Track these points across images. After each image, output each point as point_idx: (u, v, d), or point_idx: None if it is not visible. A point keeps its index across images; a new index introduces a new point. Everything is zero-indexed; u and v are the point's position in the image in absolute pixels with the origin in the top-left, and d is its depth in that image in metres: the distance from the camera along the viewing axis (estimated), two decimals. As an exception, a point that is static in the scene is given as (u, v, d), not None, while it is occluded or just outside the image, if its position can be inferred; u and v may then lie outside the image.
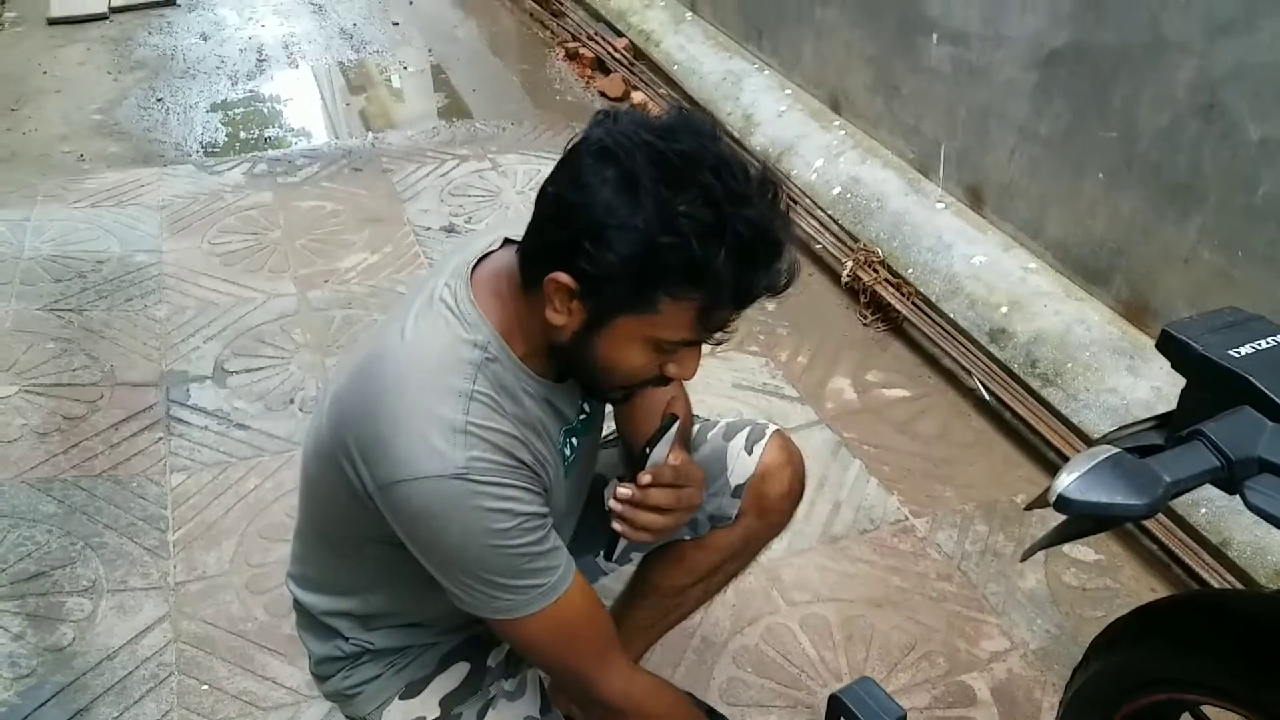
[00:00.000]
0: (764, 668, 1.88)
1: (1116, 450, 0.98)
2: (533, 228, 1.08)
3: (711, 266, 0.99)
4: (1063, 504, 0.95)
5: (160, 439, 2.35)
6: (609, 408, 1.33)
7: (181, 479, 2.25)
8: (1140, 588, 2.07)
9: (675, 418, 1.21)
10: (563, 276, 1.03)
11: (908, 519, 2.23)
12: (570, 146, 1.05)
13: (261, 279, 2.95)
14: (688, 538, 1.50)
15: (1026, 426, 2.40)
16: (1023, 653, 1.92)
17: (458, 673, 1.32)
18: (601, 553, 1.34)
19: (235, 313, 2.79)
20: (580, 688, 1.21)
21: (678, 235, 0.98)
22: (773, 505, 1.49)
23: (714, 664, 1.88)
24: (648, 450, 1.17)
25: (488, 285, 1.14)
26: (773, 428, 1.52)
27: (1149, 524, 2.09)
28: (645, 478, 1.16)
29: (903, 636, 1.95)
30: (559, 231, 1.03)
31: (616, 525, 1.18)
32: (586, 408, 1.28)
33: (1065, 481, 0.95)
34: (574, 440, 1.26)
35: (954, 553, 2.15)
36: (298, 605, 1.36)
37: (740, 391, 2.60)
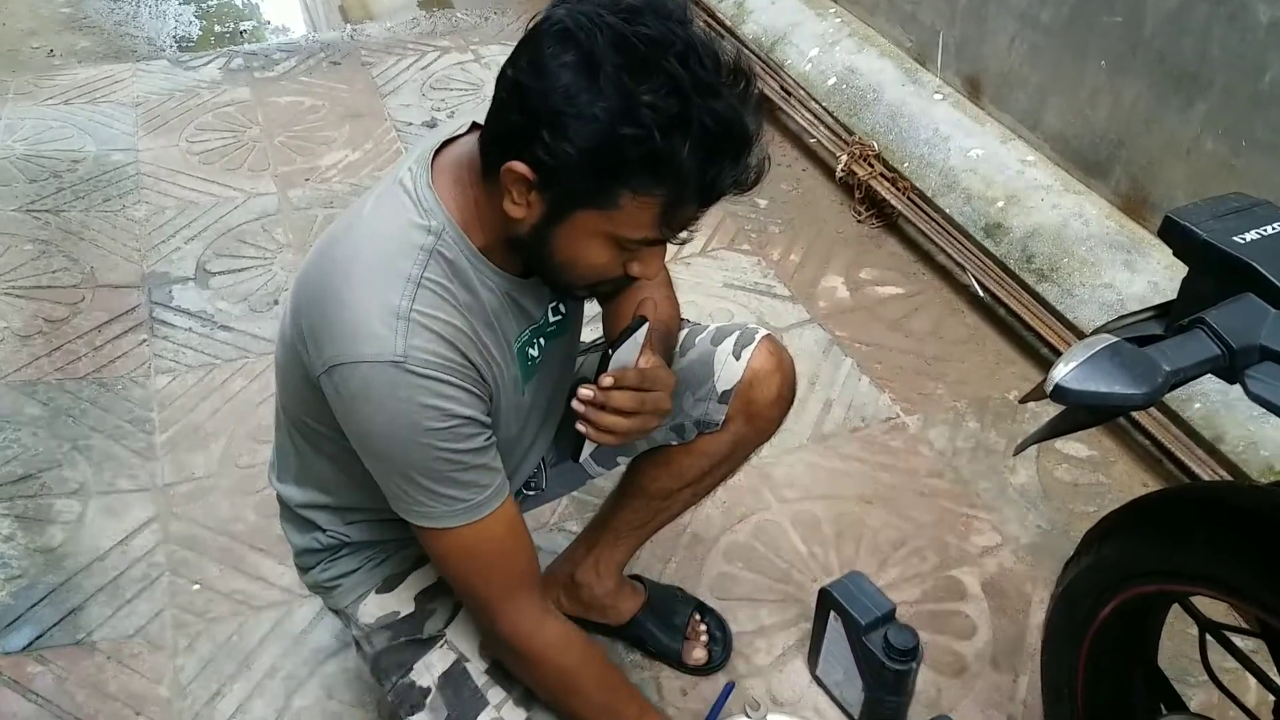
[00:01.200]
0: (754, 563, 1.89)
1: (1115, 339, 0.95)
2: (492, 113, 1.03)
3: (675, 161, 0.94)
4: (1060, 394, 0.92)
5: (144, 341, 2.32)
6: (590, 311, 1.29)
7: (166, 381, 2.22)
8: (1132, 483, 2.07)
9: (644, 320, 1.16)
10: (520, 166, 0.98)
11: (899, 416, 2.22)
12: (530, 26, 0.99)
13: (241, 178, 2.88)
14: (675, 443, 1.48)
15: (1020, 323, 2.37)
16: (1013, 548, 1.93)
17: (434, 570, 1.31)
18: (568, 455, 1.32)
19: (215, 213, 2.73)
20: (483, 620, 1.20)
21: (640, 127, 0.92)
22: (761, 412, 1.46)
23: (705, 559, 1.89)
24: (611, 351, 1.13)
25: (449, 172, 1.09)
26: (762, 332, 1.48)
27: (1142, 419, 2.08)
28: (607, 379, 1.12)
29: (893, 532, 1.96)
30: (516, 118, 0.98)
31: (580, 426, 1.14)
32: (562, 309, 1.25)
33: (1063, 371, 0.92)
34: (541, 341, 1.23)
35: (945, 449, 2.14)
36: (279, 498, 1.35)
37: (731, 291, 2.56)
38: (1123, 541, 1.22)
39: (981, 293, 2.46)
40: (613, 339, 1.13)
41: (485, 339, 1.11)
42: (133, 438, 2.09)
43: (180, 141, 3.02)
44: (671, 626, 1.69)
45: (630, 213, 0.98)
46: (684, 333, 1.49)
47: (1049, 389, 0.92)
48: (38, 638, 1.70)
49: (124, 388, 2.20)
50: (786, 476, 2.06)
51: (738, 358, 1.44)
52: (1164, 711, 1.24)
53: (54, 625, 1.72)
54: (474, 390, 1.08)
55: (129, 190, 2.78)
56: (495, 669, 1.27)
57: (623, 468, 1.58)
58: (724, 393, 1.44)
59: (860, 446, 2.14)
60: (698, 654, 1.69)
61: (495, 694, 1.25)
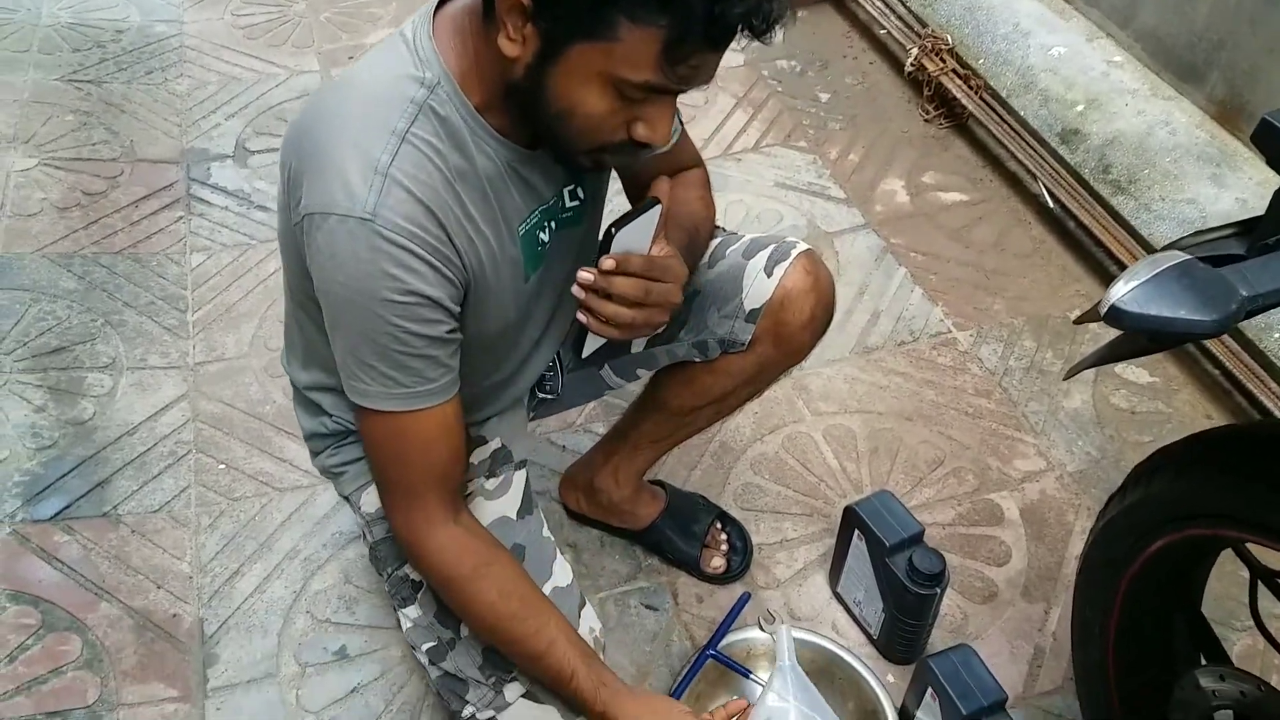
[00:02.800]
0: (782, 475, 1.82)
1: (1186, 257, 0.84)
2: None
3: None
4: (1116, 316, 0.82)
5: (180, 218, 2.28)
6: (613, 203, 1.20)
7: (201, 259, 2.19)
8: (1195, 414, 1.95)
9: (656, 201, 1.06)
10: None
11: (950, 332, 2.11)
12: None
13: (285, 54, 2.80)
14: (697, 359, 1.41)
15: (1090, 238, 2.23)
16: (1059, 474, 1.84)
17: None
18: (573, 351, 1.24)
19: (257, 89, 2.66)
20: (387, 512, 1.14)
21: None
22: (790, 334, 1.36)
23: (731, 469, 1.83)
24: (614, 231, 1.02)
25: (451, 21, 1.01)
26: (801, 247, 1.37)
27: (1213, 346, 1.95)
28: (608, 262, 1.02)
29: (931, 451, 1.87)
30: None
31: (580, 315, 1.06)
32: (580, 193, 1.16)
33: (1121, 291, 0.82)
34: (552, 225, 1.14)
35: (996, 368, 2.03)
36: (290, 380, 1.32)
37: (782, 191, 2.44)
38: (1176, 479, 1.13)
39: (1051, 203, 2.32)
40: (617, 219, 1.04)
41: (476, 212, 1.03)
42: (166, 315, 2.07)
43: (225, 15, 2.94)
44: (690, 534, 1.64)
45: (630, 46, 0.88)
46: (716, 242, 1.39)
47: (1104, 310, 0.83)
48: (65, 508, 1.71)
49: (159, 264, 2.17)
50: (824, 389, 1.98)
51: (769, 274, 1.34)
52: (1203, 661, 1.16)
53: (82, 496, 1.73)
54: (443, 270, 1.00)
55: (172, 63, 2.73)
56: None
57: (645, 380, 1.51)
58: (751, 311, 1.34)
59: (906, 361, 2.05)
60: (716, 562, 1.64)
61: None
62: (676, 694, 1.45)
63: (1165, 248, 0.96)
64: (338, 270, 0.98)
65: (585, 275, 1.04)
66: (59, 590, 1.60)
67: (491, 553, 1.13)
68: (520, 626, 1.12)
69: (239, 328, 2.05)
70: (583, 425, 1.90)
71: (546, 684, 1.16)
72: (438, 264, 0.99)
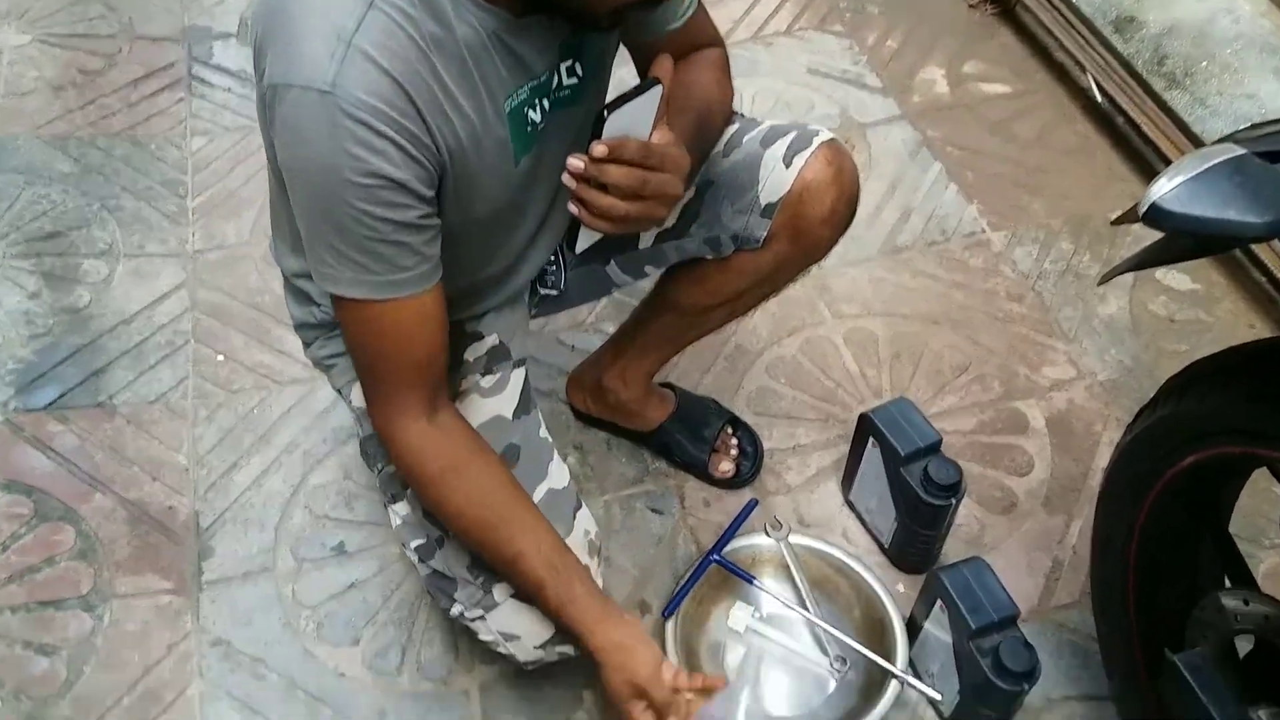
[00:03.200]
0: (799, 380, 1.75)
1: (1241, 152, 0.74)
2: None
3: None
4: (1156, 216, 0.73)
5: (181, 99, 2.19)
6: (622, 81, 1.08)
7: (202, 143, 2.11)
8: (1237, 325, 1.85)
9: (656, 81, 0.96)
10: None
11: (984, 232, 2.00)
12: None
13: (293, -75, 2.66)
14: (709, 256, 1.32)
15: (1139, 134, 2.09)
16: (1089, 383, 1.75)
17: None
18: (565, 245, 1.16)
19: (263, -37, 2.53)
20: (367, 402, 1.08)
21: None
22: (808, 230, 1.26)
23: (746, 372, 1.76)
24: (606, 113, 0.92)
25: None
26: (824, 135, 1.26)
27: (1261, 251, 1.83)
28: (600, 148, 0.92)
29: (957, 357, 1.79)
30: None
31: (571, 207, 0.97)
32: (579, 70, 1.06)
33: (1165, 187, 0.73)
34: (544, 104, 1.04)
35: (1030, 271, 1.93)
36: (280, 267, 1.26)
37: (815, 78, 2.31)
38: (1211, 393, 1.04)
39: (1100, 97, 2.17)
40: (611, 100, 0.94)
41: (454, 85, 0.94)
42: (164, 200, 2.00)
43: (233, -117, 2.79)
44: (700, 437, 1.58)
45: None
46: (733, 129, 1.29)
47: (1144, 209, 0.73)
48: (60, 397, 1.68)
49: (158, 147, 2.10)
50: (848, 290, 1.89)
51: (788, 165, 1.23)
52: (1227, 584, 1.09)
53: (76, 386, 1.70)
54: (411, 151, 0.91)
55: (175, -67, 2.60)
56: None
57: (655, 278, 1.43)
58: (768, 205, 1.25)
59: (936, 262, 1.95)
60: (724, 466, 1.59)
61: None
62: (679, 597, 1.42)
63: (1219, 141, 0.86)
64: (299, 147, 0.90)
65: (575, 162, 0.95)
66: (52, 480, 1.57)
67: (465, 455, 1.08)
68: (489, 534, 1.07)
69: (240, 215, 1.99)
70: (593, 324, 1.83)
71: (521, 592, 1.12)
72: (405, 144, 0.91)
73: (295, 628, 1.44)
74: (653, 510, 1.58)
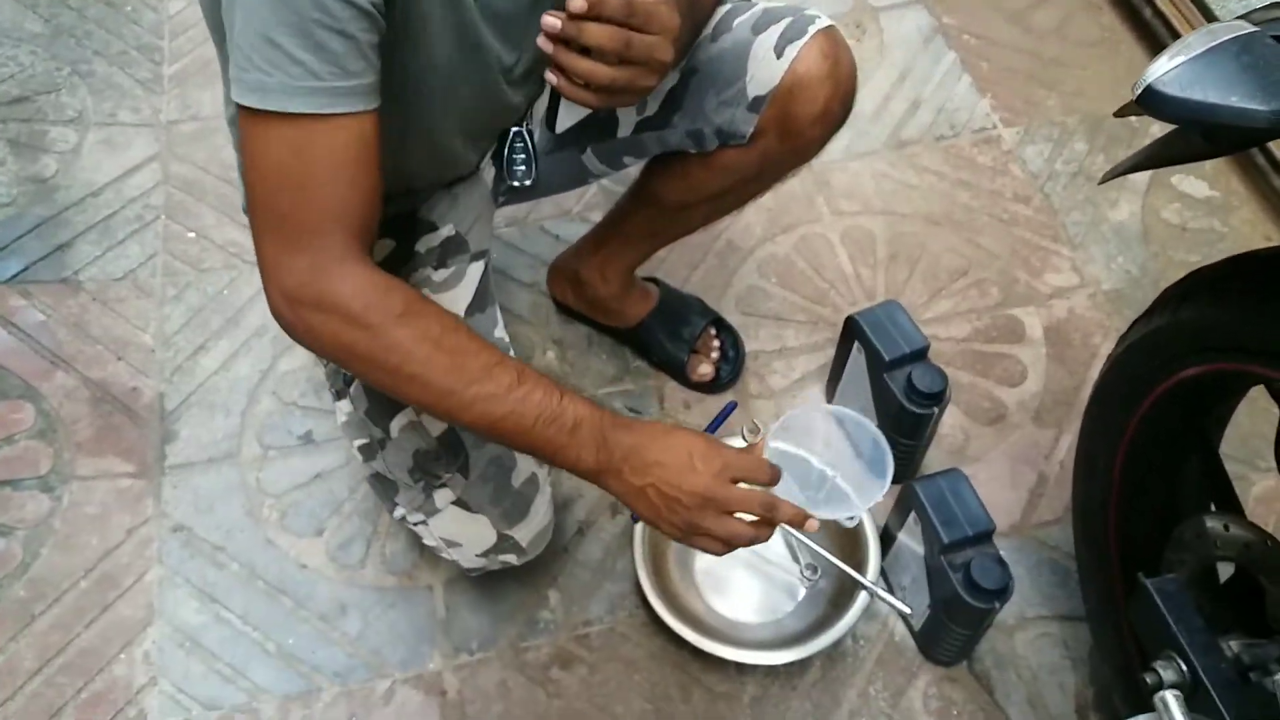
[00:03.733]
0: (790, 279, 1.68)
1: (1252, 29, 0.66)
2: None
3: None
4: (1151, 100, 0.66)
5: (158, -42, 2.08)
6: None
7: (180, 6, 2.01)
8: (1253, 235, 1.76)
9: None
10: None
11: (995, 127, 1.90)
12: None
13: None
14: (692, 150, 1.23)
15: (1166, 27, 1.96)
16: (1091, 292, 1.68)
17: (379, 250, 1.13)
18: (545, 124, 1.06)
19: None
20: (269, 259, 0.87)
21: None
22: (799, 129, 1.17)
23: (736, 270, 1.69)
24: None
25: None
26: (821, 23, 1.16)
27: (1283, 155, 1.74)
28: (578, 2, 0.83)
29: (956, 260, 1.71)
30: None
31: (549, 75, 0.89)
32: None
33: (1163, 68, 0.66)
34: None
35: (1040, 171, 1.84)
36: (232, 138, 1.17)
37: (826, -43, 2.17)
38: (1210, 305, 0.98)
39: (1127, -14, 2.04)
40: None
41: None
42: (139, 66, 1.91)
43: None
44: (679, 337, 1.52)
45: None
46: (724, 9, 1.19)
47: (1137, 91, 0.66)
48: (22, 270, 1.63)
49: (134, 10, 2.00)
50: (848, 185, 1.81)
51: (780, 55, 1.14)
52: (1212, 509, 1.04)
53: (40, 259, 1.64)
54: None
55: None
56: None
57: (635, 171, 1.35)
58: (756, 99, 1.15)
59: (942, 159, 1.86)
60: (703, 369, 1.53)
61: None
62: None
63: (1235, 19, 0.77)
64: None
65: (551, 20, 0.86)
66: (13, 356, 1.53)
67: (421, 300, 0.90)
68: (455, 378, 0.88)
69: (217, 84, 1.86)
70: (579, 213, 1.75)
71: (509, 441, 0.92)
72: None
73: (258, 516, 1.41)
74: (631, 410, 1.54)
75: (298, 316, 0.87)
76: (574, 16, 0.85)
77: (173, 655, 1.30)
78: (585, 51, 0.87)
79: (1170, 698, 0.61)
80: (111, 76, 1.89)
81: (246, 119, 0.83)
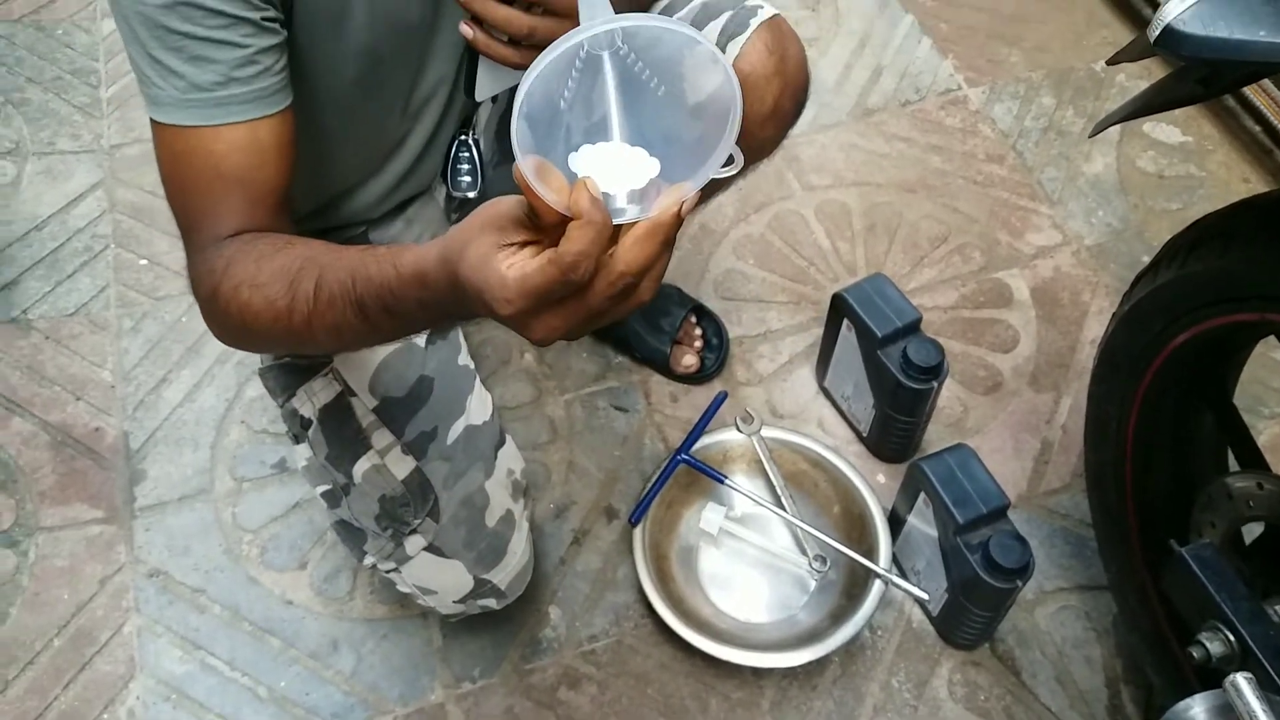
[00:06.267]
0: (768, 260, 1.63)
1: (1275, -42, 0.62)
2: None
3: None
4: (1171, 41, 0.61)
5: (85, -23, 2.00)
6: None
7: (114, 26, 1.92)
8: (1231, 178, 1.73)
9: None
10: None
11: (961, 88, 1.86)
12: None
13: None
14: None
15: (1125, -26, 1.94)
16: (1075, 248, 1.64)
17: None
18: (465, 88, 0.97)
19: None
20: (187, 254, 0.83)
21: None
22: (750, 131, 1.04)
23: (711, 254, 1.64)
24: None
25: None
26: (764, 14, 1.08)
27: (1254, 95, 1.71)
28: None
29: (935, 227, 1.67)
30: None
31: (464, 27, 0.82)
32: None
33: (1179, 6, 0.61)
34: None
35: (1010, 130, 1.80)
36: None
37: (775, -73, 2.12)
38: (1221, 255, 0.94)
39: (1082, -65, 2.00)
40: None
41: None
42: (75, 91, 1.83)
43: None
44: (659, 329, 1.47)
45: None
46: (662, 4, 1.11)
47: (1155, 33, 0.61)
48: (-34, 314, 1.55)
49: (65, 33, 1.91)
50: (817, 159, 1.76)
51: (722, 51, 1.07)
52: (1232, 466, 1.01)
53: (-15, 301, 1.57)
54: None
55: None
56: (385, 408, 1.04)
57: None
58: (696, 104, 1.08)
59: (910, 124, 1.81)
60: (687, 360, 1.48)
61: (381, 437, 1.03)
62: (646, 501, 1.32)
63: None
64: None
65: None
66: (-37, 406, 1.45)
67: (250, 240, 0.80)
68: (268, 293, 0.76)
69: (155, 106, 1.82)
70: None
71: (371, 332, 0.75)
72: None
73: (237, 553, 1.34)
74: (616, 408, 1.48)
75: (203, 313, 0.83)
76: None
77: (159, 710, 1.23)
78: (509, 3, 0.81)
79: (1242, 681, 0.57)
80: (47, 103, 1.81)
81: (152, 130, 0.82)
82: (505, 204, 0.61)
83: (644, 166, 0.59)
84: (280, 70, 0.81)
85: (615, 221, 0.58)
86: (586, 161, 0.58)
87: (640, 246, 0.58)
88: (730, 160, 0.61)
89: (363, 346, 0.90)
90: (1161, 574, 0.92)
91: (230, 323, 0.79)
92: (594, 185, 0.57)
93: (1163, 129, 1.80)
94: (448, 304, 0.66)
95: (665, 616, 1.22)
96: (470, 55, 0.84)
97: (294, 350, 1.01)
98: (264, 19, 0.79)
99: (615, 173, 0.58)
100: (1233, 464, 1.05)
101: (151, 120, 0.81)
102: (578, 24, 0.81)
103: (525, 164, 0.57)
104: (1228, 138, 1.79)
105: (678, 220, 0.59)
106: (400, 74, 0.96)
